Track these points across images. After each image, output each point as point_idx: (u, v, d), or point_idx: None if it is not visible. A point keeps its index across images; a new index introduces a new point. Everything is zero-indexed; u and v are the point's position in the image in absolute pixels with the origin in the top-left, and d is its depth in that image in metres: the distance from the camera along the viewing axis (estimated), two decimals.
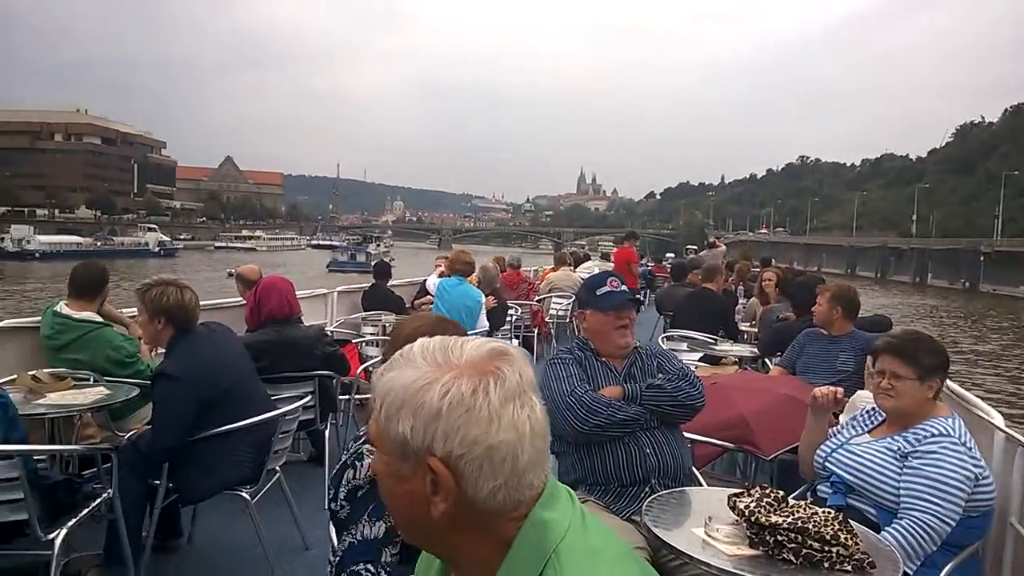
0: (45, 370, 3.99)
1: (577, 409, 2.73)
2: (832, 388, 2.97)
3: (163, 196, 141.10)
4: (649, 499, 2.48)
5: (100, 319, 4.44)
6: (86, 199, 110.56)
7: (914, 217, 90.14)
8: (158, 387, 3.39)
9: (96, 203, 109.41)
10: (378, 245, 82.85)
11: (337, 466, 2.14)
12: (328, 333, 5.31)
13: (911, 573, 2.37)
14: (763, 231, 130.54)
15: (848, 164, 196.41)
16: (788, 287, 6.68)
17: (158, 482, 3.40)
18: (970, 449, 2.49)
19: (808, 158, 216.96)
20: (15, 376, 3.87)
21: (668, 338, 6.51)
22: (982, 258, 59.18)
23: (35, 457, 3.13)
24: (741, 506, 2.19)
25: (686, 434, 3.08)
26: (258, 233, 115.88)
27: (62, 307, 4.39)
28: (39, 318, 4.53)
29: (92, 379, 4.09)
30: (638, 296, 3.05)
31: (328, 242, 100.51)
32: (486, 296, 6.99)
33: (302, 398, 4.01)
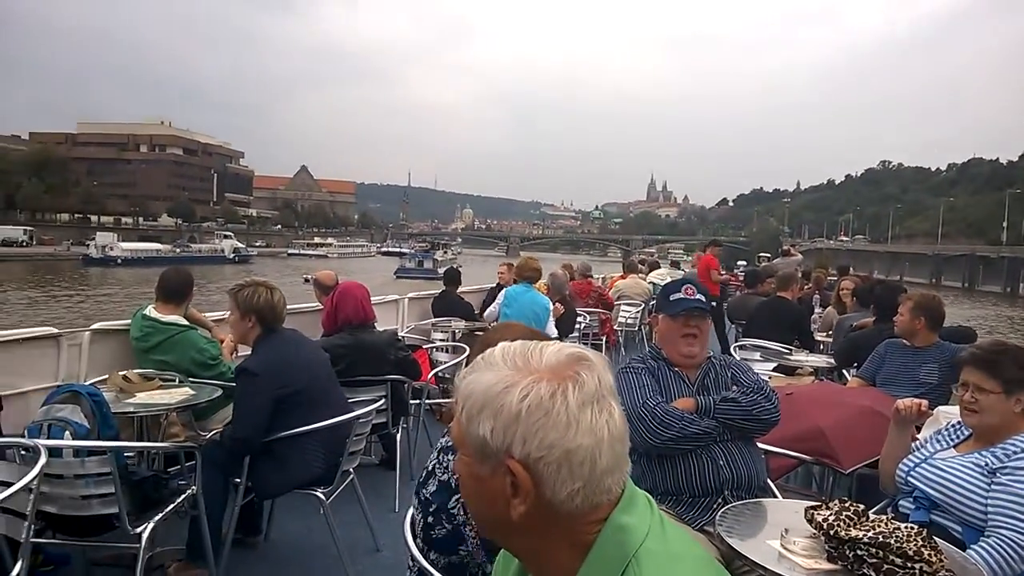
0: (134, 371, 4.16)
1: (649, 421, 2.71)
2: (916, 400, 2.87)
3: (240, 204, 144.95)
4: (723, 510, 2.44)
5: (186, 322, 4.62)
6: (168, 207, 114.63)
7: (1005, 224, 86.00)
8: (239, 381, 3.55)
9: (177, 211, 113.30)
10: (445, 252, 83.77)
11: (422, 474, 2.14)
12: (400, 338, 5.38)
13: None
14: (842, 238, 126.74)
15: (933, 169, 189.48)
16: (866, 295, 6.47)
17: (239, 480, 3.52)
18: None
19: (890, 163, 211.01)
20: (107, 376, 4.06)
21: (740, 347, 6.37)
22: None
23: (125, 454, 3.28)
24: (819, 519, 2.14)
25: (760, 445, 3.02)
26: (330, 240, 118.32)
27: (151, 310, 4.58)
28: (129, 321, 4.74)
29: (177, 380, 4.25)
30: (714, 304, 3.01)
31: (397, 249, 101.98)
32: (554, 303, 6.99)
33: (375, 402, 4.09)
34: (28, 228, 77.75)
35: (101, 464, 2.91)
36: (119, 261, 64.87)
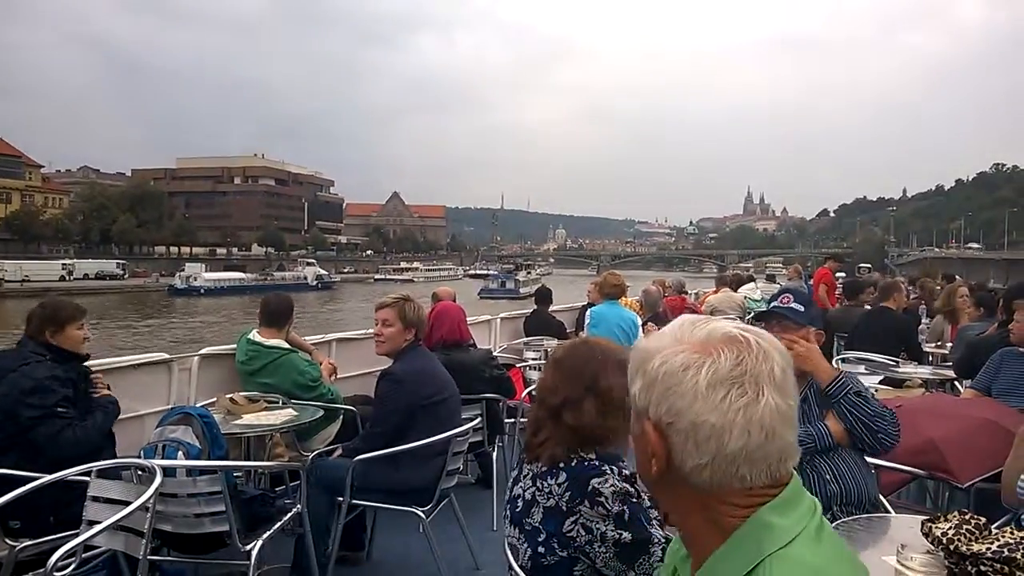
0: (240, 393, 4.33)
1: None
2: None
3: (331, 232, 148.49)
4: (833, 525, 2.33)
5: (288, 346, 4.79)
6: (258, 236, 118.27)
7: None
8: (381, 386, 3.84)
9: (267, 240, 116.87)
10: (528, 272, 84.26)
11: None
12: (494, 357, 5.42)
13: None
14: (952, 246, 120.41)
15: None
16: (990, 301, 6.09)
17: (342, 498, 3.61)
18: None
19: (1004, 165, 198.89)
20: (215, 399, 4.24)
21: (843, 360, 6.10)
22: None
23: (234, 473, 3.41)
24: (938, 533, 2.01)
25: (870, 459, 2.88)
26: (416, 264, 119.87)
27: (255, 335, 4.77)
28: (234, 345, 4.94)
29: (281, 401, 4.40)
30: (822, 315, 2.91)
31: (483, 271, 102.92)
32: (647, 321, 6.90)
33: (472, 420, 4.13)
34: (121, 261, 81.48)
35: (212, 483, 3.03)
36: (202, 291, 67.30)
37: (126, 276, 77.92)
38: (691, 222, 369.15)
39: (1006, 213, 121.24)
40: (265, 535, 3.18)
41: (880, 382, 5.37)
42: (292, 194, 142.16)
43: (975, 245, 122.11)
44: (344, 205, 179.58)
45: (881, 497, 2.83)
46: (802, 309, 2.86)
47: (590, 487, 1.96)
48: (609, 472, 1.95)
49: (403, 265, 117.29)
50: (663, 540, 1.91)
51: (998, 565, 1.89)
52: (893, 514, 2.66)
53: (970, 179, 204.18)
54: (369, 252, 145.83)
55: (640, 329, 6.29)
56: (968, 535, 2.00)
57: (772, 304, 2.90)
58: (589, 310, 6.59)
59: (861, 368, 5.80)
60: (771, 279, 18.82)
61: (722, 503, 0.98)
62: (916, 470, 3.27)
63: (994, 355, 4.23)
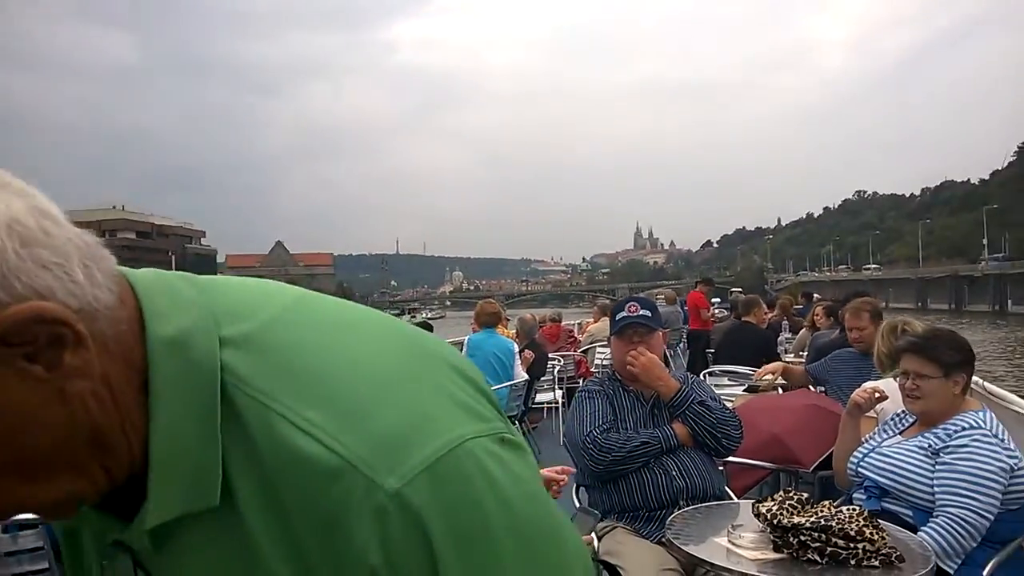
0: None
1: (592, 449, 2.76)
2: (871, 386, 2.94)
3: None
4: (672, 516, 2.46)
5: None
6: None
7: (985, 241, 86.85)
8: None
9: None
10: (413, 316, 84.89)
11: None
12: None
13: (952, 572, 2.28)
14: (825, 270, 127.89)
15: (907, 195, 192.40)
16: (836, 312, 6.56)
17: None
18: (1003, 440, 2.40)
19: (865, 192, 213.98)
20: None
21: (710, 374, 6.43)
22: None
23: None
24: (763, 510, 2.16)
25: (730, 459, 3.06)
26: None
27: None
28: None
29: None
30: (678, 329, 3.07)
31: None
32: (524, 349, 7.04)
33: None
34: None
35: (37, 538, 2.77)
36: None
37: None
38: (584, 259, 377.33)
39: (870, 237, 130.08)
40: None
41: (744, 390, 5.67)
42: (156, 247, 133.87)
43: (843, 267, 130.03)
44: (224, 257, 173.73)
45: (728, 489, 2.99)
46: (650, 314, 3.01)
47: None
48: None
49: None
50: None
51: (816, 534, 2.04)
52: (732, 501, 2.82)
53: (836, 206, 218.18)
54: None
55: (517, 356, 6.40)
56: (791, 510, 2.15)
57: (622, 315, 3.02)
58: (467, 338, 6.66)
59: (725, 379, 6.12)
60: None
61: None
62: (767, 464, 3.48)
63: (831, 354, 4.60)
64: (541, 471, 2.39)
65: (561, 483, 2.38)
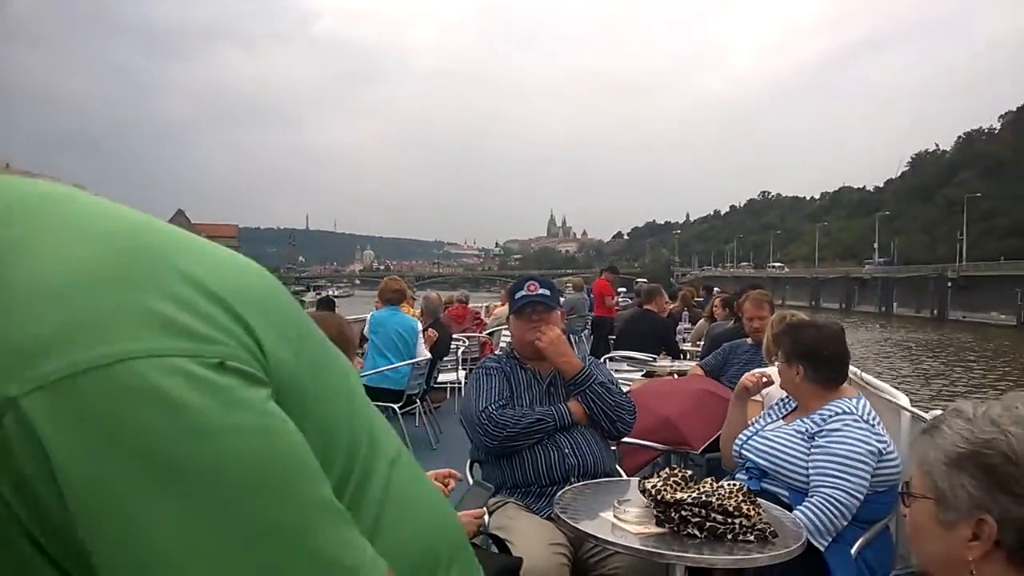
0: None
1: (487, 425, 2.77)
2: (760, 371, 3.06)
3: None
4: (561, 491, 2.49)
5: None
6: None
7: (876, 245, 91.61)
8: None
9: None
10: (318, 293, 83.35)
11: None
12: None
13: (823, 549, 2.40)
14: (728, 266, 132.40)
15: (808, 198, 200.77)
16: (732, 304, 6.80)
17: None
18: (873, 426, 2.54)
19: (769, 193, 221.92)
20: None
21: (610, 359, 6.57)
22: (949, 284, 56.44)
23: None
24: (648, 486, 2.21)
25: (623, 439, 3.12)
26: None
27: None
28: None
29: None
30: (555, 300, 3.11)
31: None
32: (428, 328, 7.01)
33: None
34: None
35: None
36: None
37: None
38: (497, 244, 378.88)
39: (771, 236, 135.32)
40: None
41: (643, 375, 5.82)
42: None
43: (745, 264, 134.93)
44: None
45: (619, 469, 3.05)
46: (549, 293, 3.04)
47: None
48: None
49: None
50: None
51: (696, 509, 2.11)
52: (621, 478, 2.88)
53: (741, 205, 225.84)
54: None
55: (420, 335, 6.36)
56: (674, 486, 2.20)
57: (521, 294, 3.03)
58: (369, 315, 6.57)
59: (624, 365, 6.27)
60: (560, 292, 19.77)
61: None
62: (658, 445, 3.57)
63: (725, 344, 4.76)
64: (428, 474, 2.38)
65: (449, 487, 2.36)
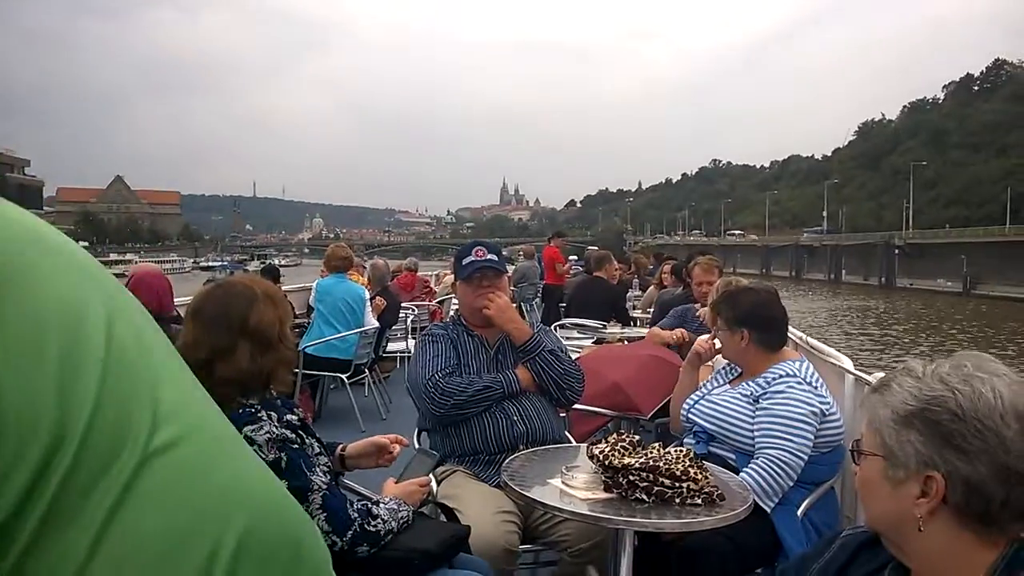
0: None
1: (434, 393, 2.73)
2: (711, 336, 3.06)
3: None
4: (510, 459, 2.46)
5: None
6: None
7: (824, 214, 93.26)
8: None
9: None
10: (262, 262, 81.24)
11: None
12: None
13: (769, 510, 2.42)
14: (680, 234, 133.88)
15: (758, 167, 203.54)
16: (680, 271, 6.84)
17: None
18: (816, 388, 2.57)
19: (720, 161, 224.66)
20: None
21: (561, 326, 6.57)
22: (896, 251, 57.37)
23: None
24: (596, 452, 2.19)
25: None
26: (129, 257, 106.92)
27: None
28: None
29: None
30: (502, 263, 3.06)
31: (216, 263, 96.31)
32: (376, 296, 6.91)
33: None
34: None
35: None
36: None
37: None
38: (449, 212, 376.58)
39: (722, 204, 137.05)
40: None
41: (593, 342, 5.83)
42: None
43: (697, 232, 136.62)
44: (56, 191, 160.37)
45: (568, 435, 3.04)
46: (496, 258, 2.99)
47: (243, 435, 1.88)
48: (265, 419, 1.85)
49: (113, 257, 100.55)
50: (322, 487, 1.89)
51: (644, 474, 2.10)
52: (570, 444, 2.87)
53: (693, 173, 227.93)
54: (83, 244, 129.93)
55: (367, 304, 6.26)
56: (622, 451, 2.19)
57: (469, 260, 2.95)
58: (316, 283, 6.43)
59: (575, 332, 6.28)
60: (510, 260, 19.76)
61: None
62: (608, 411, 3.57)
63: (676, 308, 4.79)
64: (372, 438, 2.34)
65: (395, 452, 2.31)
